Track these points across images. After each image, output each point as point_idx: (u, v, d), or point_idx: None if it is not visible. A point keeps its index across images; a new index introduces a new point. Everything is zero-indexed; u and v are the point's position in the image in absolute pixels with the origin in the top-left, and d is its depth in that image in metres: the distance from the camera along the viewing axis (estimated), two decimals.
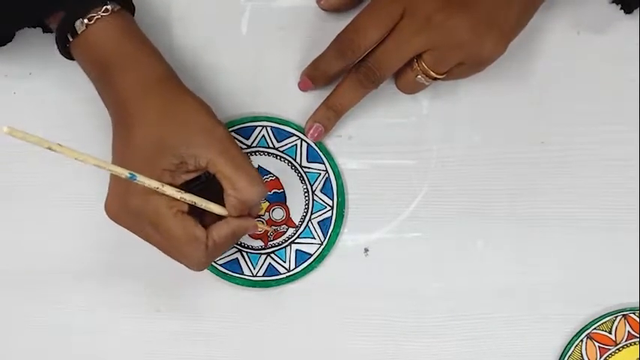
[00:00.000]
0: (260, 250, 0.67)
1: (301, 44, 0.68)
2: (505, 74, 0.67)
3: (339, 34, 0.62)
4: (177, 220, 0.58)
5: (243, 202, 0.59)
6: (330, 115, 0.65)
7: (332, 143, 0.68)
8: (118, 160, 0.59)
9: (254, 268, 0.67)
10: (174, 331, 0.69)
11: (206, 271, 0.68)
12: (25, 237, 0.69)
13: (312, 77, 0.65)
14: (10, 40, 0.67)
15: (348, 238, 0.68)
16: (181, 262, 0.60)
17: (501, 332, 0.68)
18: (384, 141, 0.68)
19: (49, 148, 0.52)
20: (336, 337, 0.68)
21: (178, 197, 0.58)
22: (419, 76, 0.62)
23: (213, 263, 0.67)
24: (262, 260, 0.67)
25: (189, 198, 0.59)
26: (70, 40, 0.61)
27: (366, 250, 0.68)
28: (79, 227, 0.69)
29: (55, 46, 0.62)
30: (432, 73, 0.61)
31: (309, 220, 0.67)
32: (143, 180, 0.57)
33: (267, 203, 0.67)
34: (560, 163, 0.67)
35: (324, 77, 0.65)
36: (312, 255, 0.67)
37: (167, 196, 0.58)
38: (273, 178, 0.67)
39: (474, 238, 0.67)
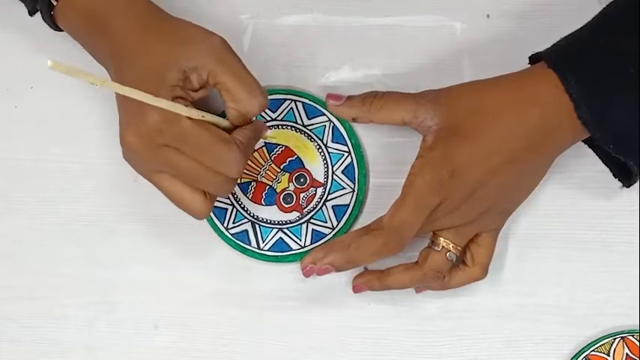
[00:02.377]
0: (298, 220, 0.67)
1: (303, 62, 0.69)
2: None
3: (382, 227, 0.61)
4: (200, 125, 0.58)
5: (243, 115, 0.60)
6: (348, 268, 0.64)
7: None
8: (123, 100, 0.59)
9: (262, 242, 0.67)
10: (171, 347, 0.68)
11: (204, 288, 0.68)
12: (25, 253, 0.69)
13: (340, 267, 0.63)
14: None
15: None
16: (219, 178, 0.59)
17: (500, 353, 0.67)
18: (384, 160, 0.68)
19: (93, 83, 0.51)
20: (335, 355, 0.68)
21: (187, 113, 0.57)
22: (449, 254, 0.63)
23: (225, 232, 0.67)
24: (274, 233, 0.67)
25: (194, 112, 0.58)
26: (55, 2, 0.62)
27: (365, 268, 0.68)
28: (76, 240, 0.68)
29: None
30: (454, 247, 0.63)
31: (307, 221, 0.68)
32: (162, 101, 0.56)
33: (288, 174, 0.67)
34: (560, 184, 0.68)
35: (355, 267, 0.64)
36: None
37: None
38: (283, 148, 0.68)
39: None
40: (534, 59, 0.63)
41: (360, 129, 0.68)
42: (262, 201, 0.68)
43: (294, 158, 0.68)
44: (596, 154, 0.66)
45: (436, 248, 0.63)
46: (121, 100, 0.61)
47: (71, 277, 0.68)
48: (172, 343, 0.68)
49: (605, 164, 0.66)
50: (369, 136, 0.68)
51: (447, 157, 0.60)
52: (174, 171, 0.60)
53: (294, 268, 0.67)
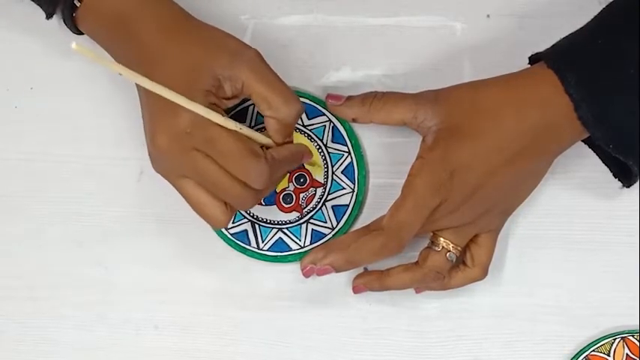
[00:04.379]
0: (298, 220, 0.67)
1: (303, 62, 0.69)
2: None
3: (382, 228, 0.61)
4: (231, 134, 0.57)
5: (281, 122, 0.60)
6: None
7: None
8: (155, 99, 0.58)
9: (262, 242, 0.67)
10: (171, 347, 0.68)
11: (204, 289, 0.68)
12: (25, 253, 0.69)
13: (340, 268, 0.63)
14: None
15: None
16: (239, 190, 0.58)
17: (500, 353, 0.67)
18: (384, 160, 0.68)
19: (120, 74, 0.51)
20: (335, 356, 0.68)
21: (223, 123, 0.57)
22: (449, 254, 0.63)
23: (225, 232, 0.67)
24: (273, 233, 0.67)
25: (231, 124, 0.58)
26: (78, 4, 0.62)
27: (365, 269, 0.68)
28: (76, 240, 0.68)
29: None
30: (454, 247, 0.63)
31: (306, 221, 0.68)
32: (198, 107, 0.55)
33: (287, 174, 0.67)
34: (561, 184, 0.68)
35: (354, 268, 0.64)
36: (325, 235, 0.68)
37: None
38: None
39: None
40: (534, 59, 0.63)
41: (359, 129, 0.68)
42: (262, 201, 0.68)
43: None
44: (596, 154, 0.66)
45: (436, 248, 0.63)
46: (148, 98, 0.60)
47: (71, 277, 0.68)
48: (172, 344, 0.68)
49: (605, 164, 0.66)
50: (369, 136, 0.68)
51: (447, 157, 0.60)
52: (200, 178, 0.59)
53: (294, 268, 0.67)
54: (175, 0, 0.63)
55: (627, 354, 0.66)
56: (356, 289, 0.66)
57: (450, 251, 0.63)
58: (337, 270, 0.63)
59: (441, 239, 0.63)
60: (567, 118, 0.60)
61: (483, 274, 0.65)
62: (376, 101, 0.65)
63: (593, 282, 0.67)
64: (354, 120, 0.66)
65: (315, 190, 0.68)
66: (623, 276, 0.67)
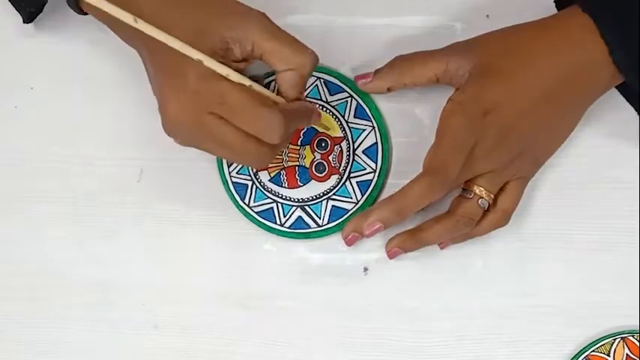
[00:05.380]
0: (338, 184, 0.67)
1: None
2: None
3: (423, 171, 0.61)
4: (242, 88, 0.57)
5: (297, 72, 0.59)
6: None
7: None
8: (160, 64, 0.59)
9: (284, 218, 0.67)
10: (171, 347, 0.68)
11: (204, 288, 0.68)
12: (25, 253, 0.69)
13: (389, 221, 0.62)
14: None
15: (348, 258, 0.68)
16: (253, 146, 0.58)
17: (500, 353, 0.67)
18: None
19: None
20: (335, 356, 0.68)
21: (236, 79, 0.57)
22: (481, 200, 0.63)
23: (249, 210, 0.67)
24: (293, 211, 0.67)
25: (243, 80, 0.57)
26: None
27: (366, 269, 0.68)
28: (75, 241, 0.69)
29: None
30: (487, 194, 0.63)
31: (348, 178, 0.67)
32: (208, 60, 0.55)
33: (307, 146, 0.67)
34: (561, 184, 0.68)
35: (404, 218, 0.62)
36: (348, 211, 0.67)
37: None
38: None
39: (473, 258, 0.67)
40: (562, 4, 0.63)
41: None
42: (299, 182, 0.67)
43: (305, 130, 0.68)
44: (630, 102, 0.66)
45: (468, 196, 0.63)
46: (155, 68, 0.59)
47: (71, 277, 0.68)
48: (172, 344, 0.68)
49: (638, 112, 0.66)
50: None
51: (479, 96, 0.61)
52: (216, 142, 0.58)
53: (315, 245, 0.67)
54: None
55: (627, 354, 0.66)
56: (391, 254, 0.65)
57: (482, 197, 0.63)
58: (386, 224, 0.61)
59: (474, 186, 0.63)
60: (602, 61, 0.59)
61: (506, 220, 0.64)
62: (405, 63, 0.64)
63: (594, 282, 0.67)
64: (389, 90, 0.66)
65: (340, 146, 0.67)
66: (623, 276, 0.67)
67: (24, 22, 0.66)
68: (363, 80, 0.66)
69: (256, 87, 0.58)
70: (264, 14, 0.59)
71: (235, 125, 0.57)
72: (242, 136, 0.57)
